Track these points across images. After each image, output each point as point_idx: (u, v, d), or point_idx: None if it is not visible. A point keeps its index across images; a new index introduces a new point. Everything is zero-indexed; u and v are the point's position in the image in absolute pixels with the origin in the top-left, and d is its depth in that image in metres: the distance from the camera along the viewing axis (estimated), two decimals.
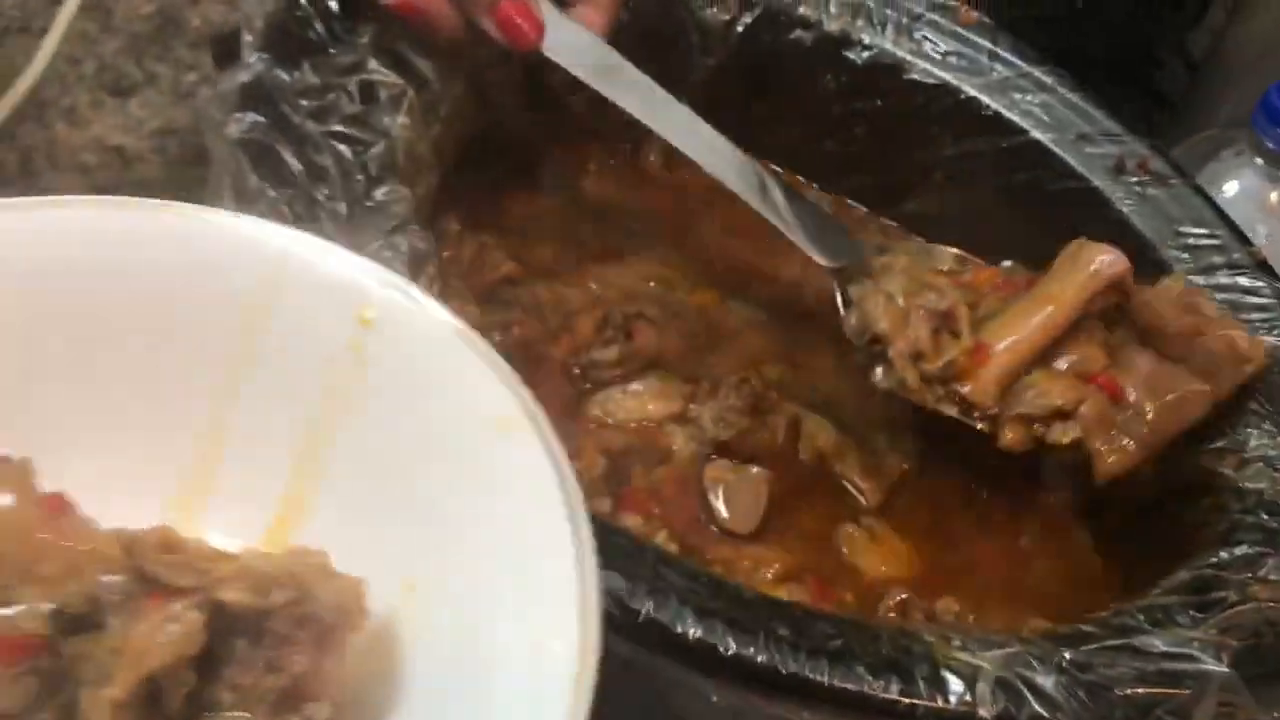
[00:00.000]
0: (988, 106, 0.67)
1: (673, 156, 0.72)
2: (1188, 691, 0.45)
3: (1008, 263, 0.62)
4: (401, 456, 0.41)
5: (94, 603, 0.36)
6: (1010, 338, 0.58)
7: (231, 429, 0.42)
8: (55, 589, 0.36)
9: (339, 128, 0.53)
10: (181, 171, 0.68)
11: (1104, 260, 0.58)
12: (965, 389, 0.57)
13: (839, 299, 0.60)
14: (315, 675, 0.37)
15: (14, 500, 0.37)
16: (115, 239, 0.42)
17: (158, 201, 0.42)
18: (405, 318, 0.41)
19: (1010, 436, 0.57)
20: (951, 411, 0.58)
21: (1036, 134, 0.66)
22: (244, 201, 0.49)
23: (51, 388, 0.41)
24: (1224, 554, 0.52)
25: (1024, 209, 0.62)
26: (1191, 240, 0.62)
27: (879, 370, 0.59)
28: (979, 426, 0.58)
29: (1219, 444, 0.57)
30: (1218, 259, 0.62)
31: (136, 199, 0.43)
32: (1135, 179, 0.65)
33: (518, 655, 0.36)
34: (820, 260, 0.61)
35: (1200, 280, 0.61)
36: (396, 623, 0.39)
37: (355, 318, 0.41)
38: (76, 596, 0.36)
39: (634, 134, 0.71)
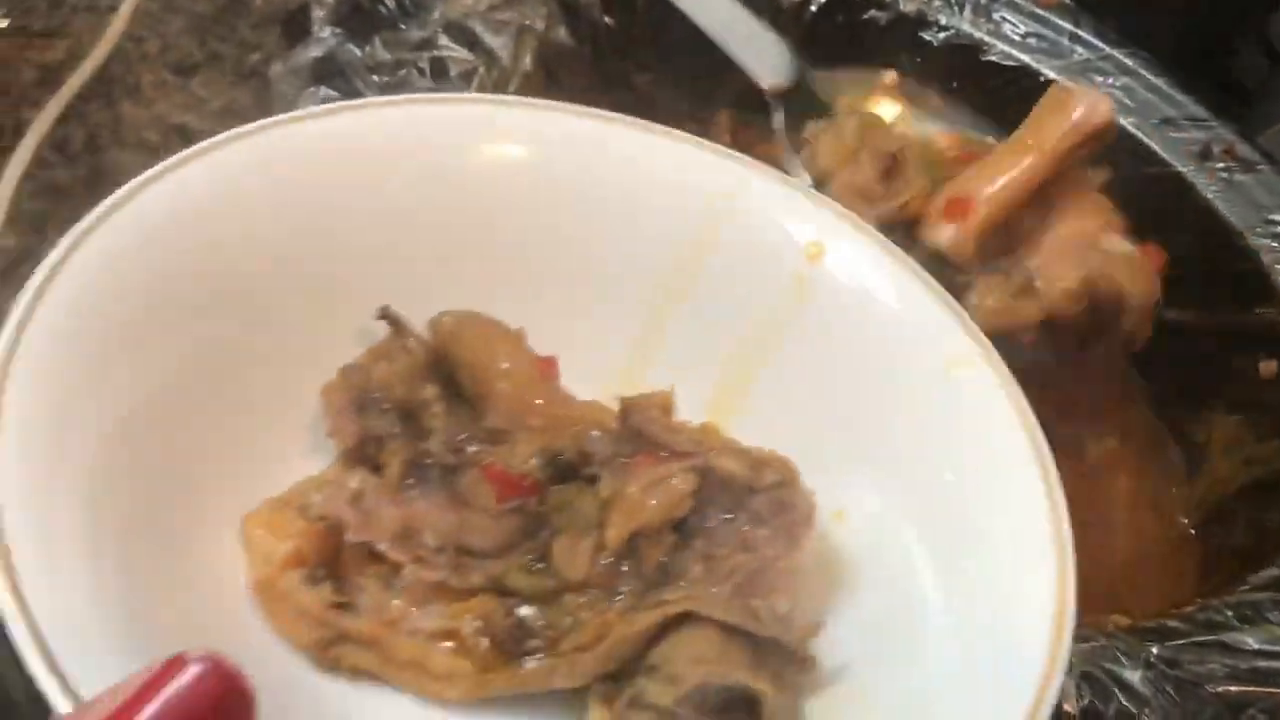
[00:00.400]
0: None
1: (740, 139, 0.71)
2: None
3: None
4: (839, 386, 0.42)
5: (584, 456, 0.37)
6: (989, 189, 0.56)
7: (668, 335, 0.44)
8: (548, 439, 0.37)
9: None
10: None
11: (1085, 110, 0.57)
12: (943, 240, 0.55)
13: (776, 121, 0.62)
14: (781, 567, 0.36)
15: (511, 363, 0.39)
16: (594, 142, 0.44)
17: (645, 123, 0.45)
18: (854, 251, 0.42)
19: (990, 304, 0.54)
20: None
21: (1119, 118, 0.64)
22: None
23: (522, 270, 0.44)
24: None
25: (1106, 196, 0.60)
26: None
27: None
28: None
29: None
30: None
31: (628, 117, 0.45)
32: (1221, 165, 0.63)
33: (969, 611, 0.35)
34: (762, 82, 0.61)
35: None
36: (830, 546, 0.39)
37: (803, 248, 0.43)
38: (569, 447, 0.37)
39: (701, 116, 0.71)
